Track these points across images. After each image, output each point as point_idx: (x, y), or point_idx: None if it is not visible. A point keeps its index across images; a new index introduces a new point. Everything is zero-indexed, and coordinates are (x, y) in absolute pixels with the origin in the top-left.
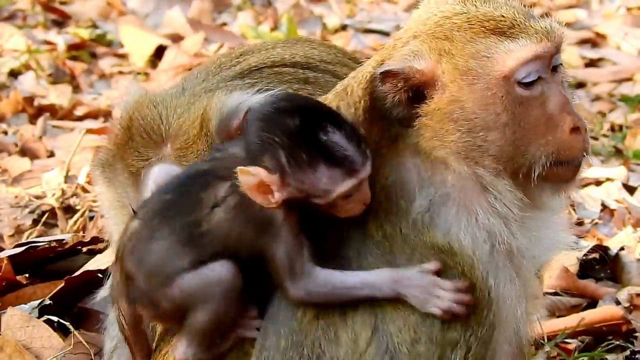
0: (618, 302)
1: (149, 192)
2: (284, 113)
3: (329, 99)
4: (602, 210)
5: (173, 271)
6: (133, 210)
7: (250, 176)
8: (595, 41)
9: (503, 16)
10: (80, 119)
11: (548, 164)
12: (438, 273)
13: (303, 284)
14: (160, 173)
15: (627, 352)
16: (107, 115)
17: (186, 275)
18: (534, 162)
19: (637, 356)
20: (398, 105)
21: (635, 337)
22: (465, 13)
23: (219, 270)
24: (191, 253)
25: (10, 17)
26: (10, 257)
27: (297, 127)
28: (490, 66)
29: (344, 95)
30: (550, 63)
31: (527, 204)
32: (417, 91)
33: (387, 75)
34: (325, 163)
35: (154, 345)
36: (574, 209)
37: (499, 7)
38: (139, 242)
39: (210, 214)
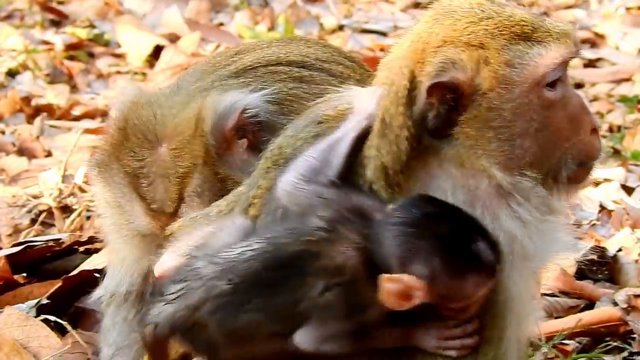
0: (616, 304)
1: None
2: (434, 220)
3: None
4: (600, 211)
5: (258, 339)
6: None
7: (396, 284)
8: (594, 41)
9: (524, 20)
10: (78, 118)
11: (574, 167)
12: None
13: None
14: (234, 228)
15: (625, 354)
16: (104, 115)
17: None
18: (561, 165)
19: (634, 357)
20: (436, 116)
21: (633, 339)
22: (491, 18)
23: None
24: (281, 327)
25: (8, 17)
26: (7, 257)
27: (449, 235)
28: (524, 73)
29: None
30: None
31: (546, 207)
32: (457, 101)
33: (434, 87)
34: (474, 270)
35: None
36: (571, 210)
37: (514, 9)
38: (226, 306)
39: (315, 298)
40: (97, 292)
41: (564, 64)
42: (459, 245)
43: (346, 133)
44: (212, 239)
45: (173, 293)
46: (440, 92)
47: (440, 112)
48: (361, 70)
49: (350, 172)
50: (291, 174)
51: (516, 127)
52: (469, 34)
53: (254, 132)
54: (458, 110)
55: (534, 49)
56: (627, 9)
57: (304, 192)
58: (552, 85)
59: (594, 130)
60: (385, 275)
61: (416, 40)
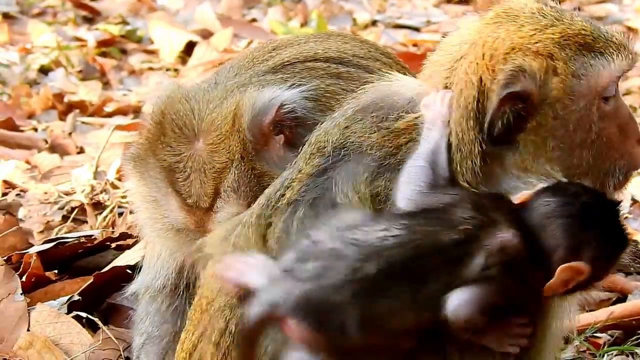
0: None
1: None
2: (591, 209)
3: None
4: (632, 205)
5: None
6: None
7: (569, 271)
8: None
9: (584, 29)
10: (110, 115)
11: (621, 176)
12: None
13: None
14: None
15: None
16: (136, 111)
17: None
18: (610, 174)
19: None
20: (503, 124)
21: None
22: (554, 26)
23: None
24: (422, 312)
25: (41, 14)
26: (39, 253)
27: (602, 219)
28: (588, 84)
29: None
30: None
31: None
32: (525, 109)
33: (507, 96)
34: (625, 246)
35: None
36: None
37: (571, 15)
38: (369, 290)
39: (475, 274)
40: (132, 287)
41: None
42: (614, 227)
43: (438, 144)
44: (328, 218)
45: (304, 272)
46: (511, 101)
47: (508, 120)
48: (397, 66)
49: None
50: (410, 185)
51: (577, 137)
52: (536, 42)
53: (291, 128)
54: (525, 118)
55: (597, 61)
56: None
57: (433, 195)
58: (609, 97)
59: (639, 141)
60: (564, 266)
61: (480, 43)
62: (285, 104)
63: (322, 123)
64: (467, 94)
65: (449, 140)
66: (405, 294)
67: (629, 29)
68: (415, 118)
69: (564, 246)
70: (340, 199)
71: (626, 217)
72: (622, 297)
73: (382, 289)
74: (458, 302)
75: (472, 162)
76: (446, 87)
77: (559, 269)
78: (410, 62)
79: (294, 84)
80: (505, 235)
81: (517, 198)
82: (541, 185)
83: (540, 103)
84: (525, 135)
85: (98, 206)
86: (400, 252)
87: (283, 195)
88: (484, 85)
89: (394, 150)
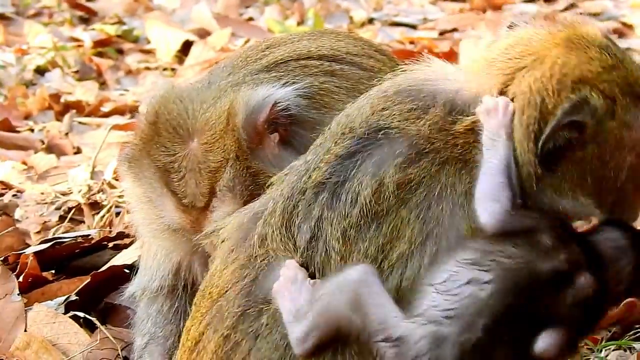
0: None
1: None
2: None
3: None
4: None
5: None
6: None
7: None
8: (622, 31)
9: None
10: (107, 115)
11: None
12: None
13: None
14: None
15: None
16: (133, 111)
17: None
18: (633, 211)
19: None
20: (553, 148)
21: None
22: (619, 69)
23: None
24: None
25: (37, 15)
26: (36, 254)
27: None
28: (633, 136)
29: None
30: None
31: None
32: (578, 140)
33: (569, 123)
34: None
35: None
36: None
37: (631, 59)
38: (476, 350)
39: (563, 311)
40: (129, 289)
41: None
42: None
43: (509, 160)
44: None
45: (443, 310)
46: (569, 128)
47: (559, 146)
48: (392, 63)
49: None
50: (496, 204)
51: (614, 180)
52: (604, 81)
53: (286, 126)
54: (573, 148)
55: None
56: None
57: (518, 216)
58: None
59: None
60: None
61: (549, 63)
62: (279, 102)
63: (350, 104)
64: (529, 113)
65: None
66: (505, 335)
67: (624, 25)
68: (473, 122)
69: (631, 281)
70: (364, 186)
71: None
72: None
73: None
74: (548, 344)
75: (529, 183)
76: (502, 93)
77: (626, 301)
78: (407, 59)
79: (287, 82)
80: (589, 276)
81: (579, 225)
82: (599, 217)
83: (590, 139)
84: (568, 163)
85: (95, 206)
86: (500, 297)
87: (310, 177)
88: (545, 106)
89: (439, 144)
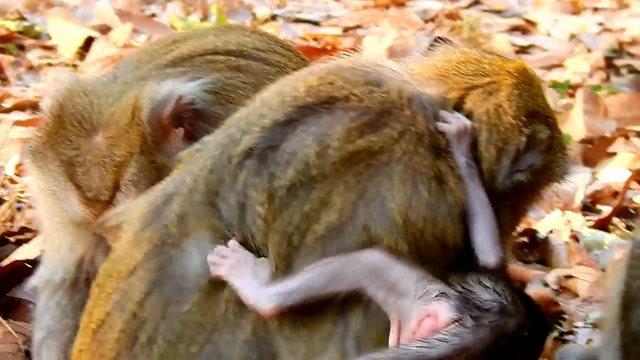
0: (547, 285)
1: None
2: None
3: None
4: None
5: None
6: None
7: None
8: (525, 28)
9: None
10: (8, 111)
11: None
12: None
13: None
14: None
15: (556, 334)
16: (35, 107)
17: None
18: None
19: (565, 337)
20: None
21: (564, 319)
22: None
23: None
24: None
25: None
26: None
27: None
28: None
29: None
30: None
31: None
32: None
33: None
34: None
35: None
36: None
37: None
38: None
39: None
40: (32, 281)
41: None
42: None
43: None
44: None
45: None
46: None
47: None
48: (297, 59)
49: None
50: (494, 238)
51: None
52: (549, 116)
53: (191, 121)
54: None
55: None
56: None
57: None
58: None
59: None
60: None
61: (506, 93)
62: (184, 97)
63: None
64: (493, 139)
65: None
66: None
67: (528, 22)
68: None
69: None
70: (306, 148)
71: None
72: (522, 285)
73: None
74: None
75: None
76: (457, 107)
77: None
78: (310, 56)
79: (193, 77)
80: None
81: None
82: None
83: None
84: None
85: None
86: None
87: (238, 145)
88: (505, 138)
89: (394, 121)
